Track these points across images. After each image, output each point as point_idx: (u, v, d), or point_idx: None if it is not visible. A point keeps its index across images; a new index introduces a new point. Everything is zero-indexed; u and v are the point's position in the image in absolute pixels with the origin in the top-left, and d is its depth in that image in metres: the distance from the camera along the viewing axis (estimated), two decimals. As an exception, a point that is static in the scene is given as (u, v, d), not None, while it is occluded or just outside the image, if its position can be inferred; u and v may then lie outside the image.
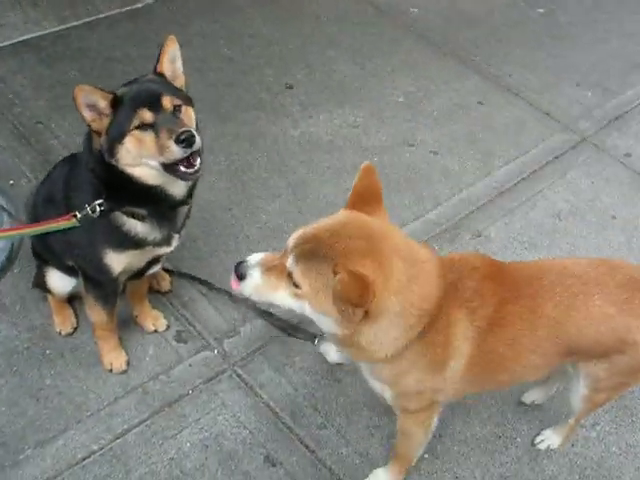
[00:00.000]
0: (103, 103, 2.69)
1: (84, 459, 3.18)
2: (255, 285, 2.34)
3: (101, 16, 5.94)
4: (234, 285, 2.40)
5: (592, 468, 3.40)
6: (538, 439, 3.45)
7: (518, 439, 3.47)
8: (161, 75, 2.87)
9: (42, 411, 3.32)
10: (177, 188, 2.90)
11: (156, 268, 3.31)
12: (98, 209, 2.88)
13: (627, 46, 6.68)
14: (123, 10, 6.03)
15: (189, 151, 2.68)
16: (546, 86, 5.98)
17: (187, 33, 5.82)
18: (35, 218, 3.30)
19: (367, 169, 2.45)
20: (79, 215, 2.92)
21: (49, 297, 3.61)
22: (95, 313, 3.33)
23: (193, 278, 3.83)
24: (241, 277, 2.34)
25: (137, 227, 2.96)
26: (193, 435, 3.30)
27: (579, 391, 2.96)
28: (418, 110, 5.49)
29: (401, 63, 5.98)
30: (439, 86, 5.78)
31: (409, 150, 5.10)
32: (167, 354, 3.60)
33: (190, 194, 3.01)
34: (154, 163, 2.73)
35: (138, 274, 3.29)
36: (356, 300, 2.11)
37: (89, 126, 2.76)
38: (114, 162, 2.74)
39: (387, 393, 2.71)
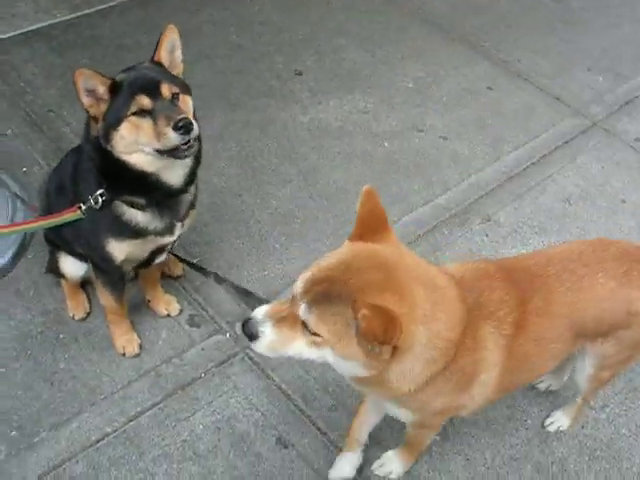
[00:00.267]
0: (102, 88, 2.70)
1: (98, 441, 3.21)
2: (269, 343, 2.17)
3: (112, 4, 5.97)
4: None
5: (602, 449, 3.41)
6: (548, 421, 3.47)
7: (528, 421, 3.49)
8: (159, 64, 2.88)
9: (56, 394, 3.36)
10: (173, 176, 2.92)
11: (162, 257, 3.33)
12: (100, 200, 2.91)
13: (639, 31, 6.65)
14: (134, -2, 6.07)
15: (187, 138, 2.71)
16: (557, 71, 5.96)
17: (197, 20, 5.85)
18: (47, 205, 3.35)
19: (368, 193, 2.23)
20: (83, 207, 2.96)
21: (62, 282, 3.65)
22: (104, 298, 3.38)
23: (199, 269, 3.79)
24: (252, 337, 2.18)
25: (137, 217, 2.98)
26: (206, 417, 3.33)
27: (585, 370, 2.97)
28: (427, 96, 5.50)
29: (410, 50, 5.98)
30: (448, 72, 5.78)
31: (418, 135, 5.10)
32: (180, 338, 3.64)
33: (189, 182, 3.02)
34: (149, 149, 2.75)
35: (145, 263, 3.32)
36: (383, 337, 1.95)
37: (87, 112, 2.78)
38: (109, 148, 2.76)
39: (409, 418, 2.65)
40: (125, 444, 3.21)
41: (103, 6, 5.93)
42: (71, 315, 3.64)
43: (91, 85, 2.69)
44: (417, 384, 2.27)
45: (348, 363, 2.14)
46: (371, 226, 2.21)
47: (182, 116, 2.69)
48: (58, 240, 3.41)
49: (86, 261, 3.39)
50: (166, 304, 3.71)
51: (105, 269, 3.23)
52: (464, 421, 3.41)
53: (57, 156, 4.18)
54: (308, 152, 4.84)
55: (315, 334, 2.08)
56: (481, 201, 4.65)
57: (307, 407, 3.41)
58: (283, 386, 3.48)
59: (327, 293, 2.04)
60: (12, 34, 5.49)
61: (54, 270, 3.56)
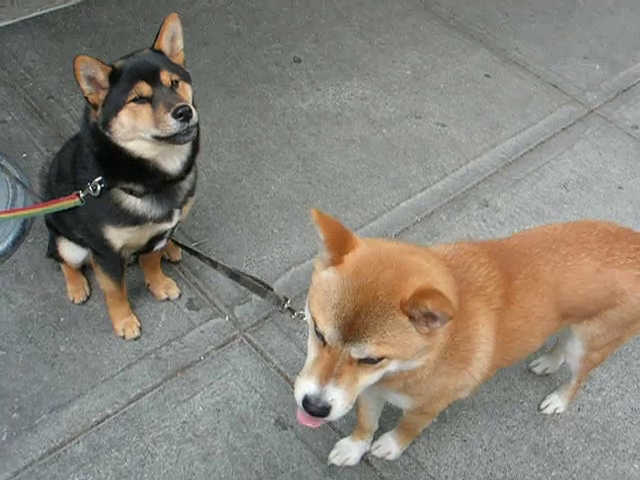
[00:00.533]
0: (102, 75, 2.72)
1: (99, 423, 3.25)
2: (342, 403, 2.06)
3: (111, -9, 5.97)
4: (312, 423, 2.19)
5: (598, 432, 3.45)
6: (544, 404, 3.50)
7: (525, 404, 3.52)
8: (159, 51, 2.90)
9: (57, 377, 3.39)
10: (172, 163, 2.94)
11: (162, 244, 3.35)
12: (99, 187, 2.94)
13: (636, 19, 6.66)
14: (133, -15, 6.06)
15: (186, 125, 2.73)
16: (554, 59, 5.97)
17: (195, 8, 5.85)
18: (49, 190, 3.37)
19: (319, 215, 2.10)
20: (82, 194, 2.98)
21: (62, 266, 3.67)
22: (103, 282, 3.40)
23: (194, 253, 3.77)
24: (326, 412, 2.06)
25: (136, 204, 3.01)
26: (205, 399, 3.37)
27: (575, 352, 3.02)
28: (425, 83, 5.52)
29: (408, 37, 5.99)
30: (446, 59, 5.80)
31: (416, 122, 5.12)
32: (179, 321, 3.67)
33: (187, 170, 3.04)
34: (148, 136, 2.77)
35: (145, 250, 3.35)
36: (450, 311, 1.92)
37: (86, 99, 2.80)
38: (108, 134, 2.79)
39: (409, 404, 2.65)
40: (125, 425, 3.24)
41: (102, -6, 5.93)
42: (71, 299, 3.67)
43: (91, 72, 2.71)
44: (434, 363, 2.28)
45: (413, 360, 2.12)
46: (341, 242, 2.13)
47: (181, 104, 2.71)
48: (59, 225, 3.43)
49: (86, 246, 3.41)
50: (166, 288, 3.73)
51: (104, 255, 3.25)
52: (461, 403, 3.44)
53: (57, 142, 4.23)
54: (307, 138, 4.86)
55: (380, 359, 2.02)
56: (479, 187, 4.68)
57: (306, 389, 3.43)
58: (282, 368, 3.51)
59: (369, 320, 1.97)
60: (12, 21, 5.49)
61: (54, 255, 3.59)
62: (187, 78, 2.92)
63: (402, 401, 2.61)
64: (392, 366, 2.08)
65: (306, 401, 2.06)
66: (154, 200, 3.03)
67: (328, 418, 2.09)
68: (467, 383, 2.58)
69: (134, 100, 2.72)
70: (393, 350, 2.00)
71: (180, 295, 3.76)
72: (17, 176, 4.08)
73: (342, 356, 2.02)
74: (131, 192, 2.97)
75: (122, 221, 3.04)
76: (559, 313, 2.66)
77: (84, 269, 3.72)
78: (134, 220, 3.04)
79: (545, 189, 4.73)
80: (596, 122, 5.37)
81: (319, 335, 2.06)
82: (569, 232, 2.73)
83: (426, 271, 2.12)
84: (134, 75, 2.73)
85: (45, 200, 3.30)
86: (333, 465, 3.18)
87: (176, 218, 3.17)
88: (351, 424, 3.29)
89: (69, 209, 3.06)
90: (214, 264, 3.61)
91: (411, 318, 1.98)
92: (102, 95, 2.76)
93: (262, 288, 3.45)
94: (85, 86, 2.74)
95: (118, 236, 3.09)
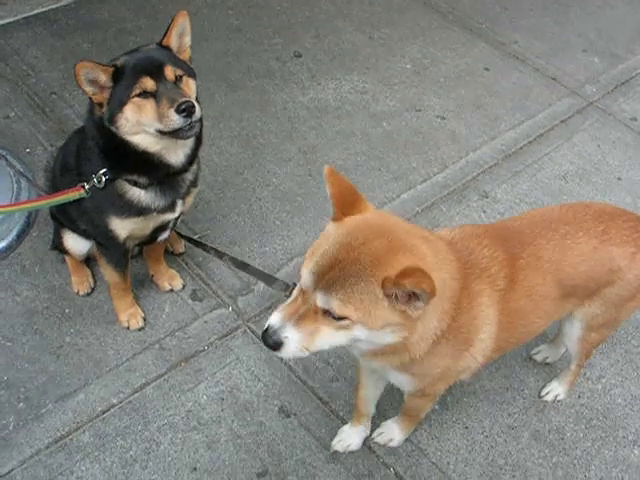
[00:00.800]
0: (104, 78, 2.75)
1: (104, 412, 3.28)
2: (296, 345, 2.12)
3: (112, -11, 6.01)
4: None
5: (598, 419, 3.48)
6: (544, 391, 3.53)
7: (525, 391, 3.55)
8: (167, 47, 2.93)
9: (62, 367, 3.42)
10: (175, 156, 2.98)
11: (165, 235, 3.38)
12: (103, 179, 2.97)
13: (634, 12, 6.70)
14: (134, -18, 6.09)
15: (189, 120, 2.76)
16: (553, 52, 6.00)
17: (196, 4, 5.88)
18: (53, 184, 3.41)
19: (331, 172, 2.21)
20: (87, 186, 3.02)
21: (67, 258, 3.71)
22: (107, 273, 3.44)
23: (199, 244, 3.81)
24: (277, 346, 2.12)
25: (140, 195, 3.04)
26: (209, 388, 3.40)
27: (574, 333, 3.06)
28: (425, 76, 5.55)
29: (408, 31, 6.02)
30: (445, 53, 5.82)
31: (416, 115, 5.15)
32: (183, 312, 3.70)
33: (190, 162, 3.08)
34: (152, 130, 2.80)
35: (149, 241, 3.39)
36: (429, 287, 1.92)
37: (90, 99, 2.84)
38: (114, 129, 2.82)
39: (411, 385, 2.67)
40: (131, 414, 3.28)
41: (103, -9, 5.97)
42: (76, 291, 3.70)
43: (93, 76, 2.74)
44: (428, 344, 2.31)
45: (381, 333, 2.12)
46: (348, 201, 2.21)
47: (185, 99, 2.74)
48: (63, 218, 3.46)
49: (90, 238, 3.44)
50: (169, 279, 3.76)
51: (108, 246, 3.28)
52: (463, 391, 3.48)
53: (60, 138, 4.26)
54: (307, 131, 4.89)
55: (342, 318, 2.05)
56: (479, 178, 4.71)
57: (308, 378, 3.47)
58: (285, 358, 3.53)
59: (342, 275, 2.02)
60: (13, 19, 5.53)
61: (59, 247, 3.62)
62: (191, 73, 2.95)
63: (404, 381, 2.64)
64: (358, 331, 2.10)
65: (265, 331, 2.14)
66: (158, 191, 3.06)
67: (279, 354, 2.16)
68: (469, 365, 2.60)
69: (138, 95, 2.75)
70: (356, 314, 2.03)
71: (184, 286, 3.79)
72: (21, 170, 4.11)
73: (309, 301, 2.09)
74: (135, 184, 3.01)
75: (126, 212, 3.07)
76: (561, 292, 2.68)
77: (88, 261, 3.76)
78: (138, 211, 3.07)
79: (544, 180, 4.75)
80: (595, 114, 5.40)
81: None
82: (566, 212, 2.77)
83: (420, 254, 2.13)
84: (138, 70, 2.76)
85: (49, 193, 3.33)
86: (336, 452, 3.21)
87: (179, 209, 3.21)
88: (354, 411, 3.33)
89: (74, 201, 3.09)
90: (220, 255, 3.64)
91: (389, 296, 2.01)
92: (106, 94, 2.79)
93: (270, 276, 3.49)
94: (88, 88, 2.77)
95: (122, 227, 3.12)
